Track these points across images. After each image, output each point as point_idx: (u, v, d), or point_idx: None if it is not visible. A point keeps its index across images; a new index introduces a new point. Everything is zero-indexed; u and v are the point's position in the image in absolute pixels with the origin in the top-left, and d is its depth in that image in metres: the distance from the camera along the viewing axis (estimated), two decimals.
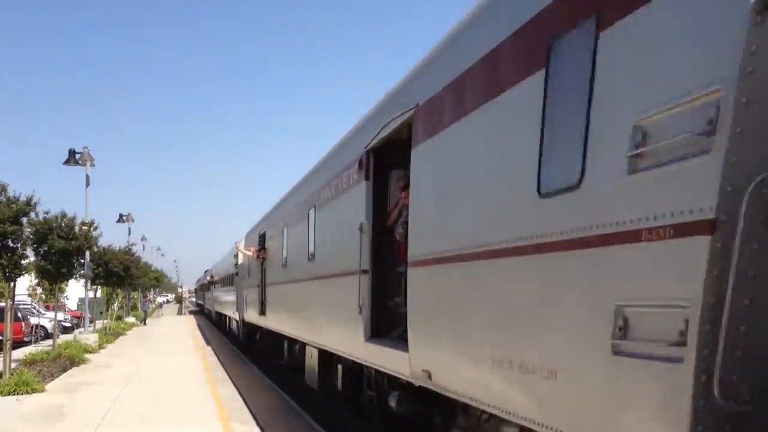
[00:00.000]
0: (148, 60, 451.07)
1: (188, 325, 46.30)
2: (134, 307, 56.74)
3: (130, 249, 38.08)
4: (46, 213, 19.13)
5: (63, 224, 19.85)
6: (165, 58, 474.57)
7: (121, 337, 32.39)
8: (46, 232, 19.21)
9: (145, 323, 48.27)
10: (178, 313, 72.18)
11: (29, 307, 35.51)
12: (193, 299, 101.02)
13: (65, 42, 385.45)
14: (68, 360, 19.52)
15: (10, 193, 15.82)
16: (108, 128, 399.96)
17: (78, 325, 34.30)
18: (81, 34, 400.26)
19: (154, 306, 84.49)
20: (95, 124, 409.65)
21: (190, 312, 76.48)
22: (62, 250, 19.70)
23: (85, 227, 21.37)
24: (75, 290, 39.22)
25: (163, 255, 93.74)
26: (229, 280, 30.44)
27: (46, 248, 19.47)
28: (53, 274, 20.73)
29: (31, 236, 18.19)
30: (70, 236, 19.95)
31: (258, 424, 10.90)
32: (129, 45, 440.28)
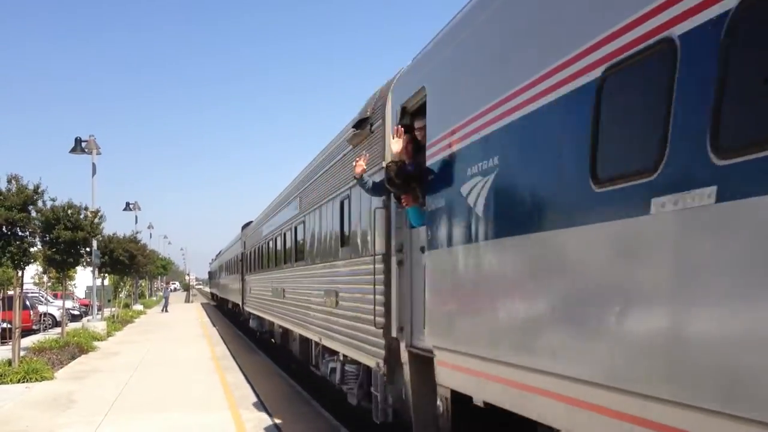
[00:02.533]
0: (157, 57, 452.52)
1: (196, 312, 46.43)
2: (141, 295, 56.86)
3: (134, 237, 38.09)
4: (53, 200, 19.15)
5: (70, 214, 19.86)
6: (173, 55, 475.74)
7: (129, 325, 32.53)
8: (53, 222, 19.24)
9: (167, 310, 46.16)
10: (186, 301, 72.03)
11: (37, 295, 35.72)
12: (204, 288, 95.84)
13: (79, 42, 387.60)
14: (77, 348, 19.60)
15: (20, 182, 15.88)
16: (115, 121, 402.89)
17: (86, 313, 34.45)
18: (95, 33, 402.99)
19: (161, 294, 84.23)
20: (102, 117, 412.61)
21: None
22: (69, 240, 19.74)
23: (91, 215, 21.38)
24: (83, 278, 39.31)
25: (170, 243, 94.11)
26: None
27: (52, 237, 19.51)
28: (60, 262, 20.81)
29: (41, 224, 18.23)
30: (77, 226, 19.97)
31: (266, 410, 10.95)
32: (140, 44, 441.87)
